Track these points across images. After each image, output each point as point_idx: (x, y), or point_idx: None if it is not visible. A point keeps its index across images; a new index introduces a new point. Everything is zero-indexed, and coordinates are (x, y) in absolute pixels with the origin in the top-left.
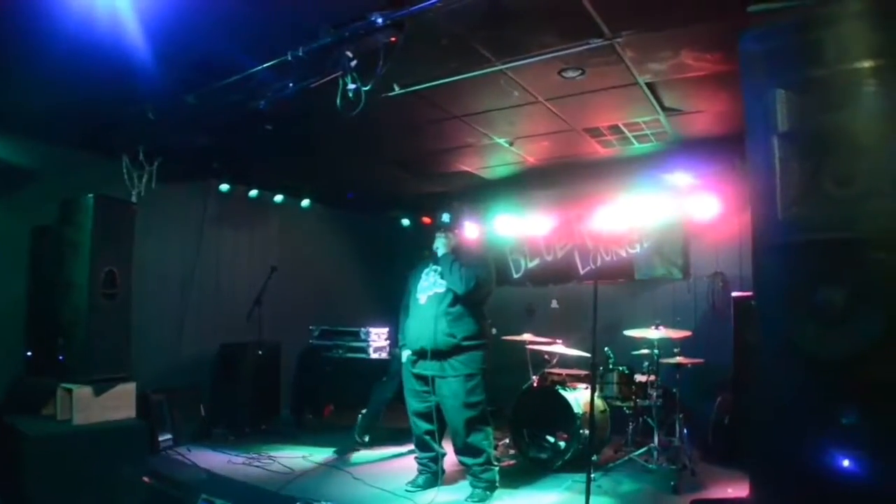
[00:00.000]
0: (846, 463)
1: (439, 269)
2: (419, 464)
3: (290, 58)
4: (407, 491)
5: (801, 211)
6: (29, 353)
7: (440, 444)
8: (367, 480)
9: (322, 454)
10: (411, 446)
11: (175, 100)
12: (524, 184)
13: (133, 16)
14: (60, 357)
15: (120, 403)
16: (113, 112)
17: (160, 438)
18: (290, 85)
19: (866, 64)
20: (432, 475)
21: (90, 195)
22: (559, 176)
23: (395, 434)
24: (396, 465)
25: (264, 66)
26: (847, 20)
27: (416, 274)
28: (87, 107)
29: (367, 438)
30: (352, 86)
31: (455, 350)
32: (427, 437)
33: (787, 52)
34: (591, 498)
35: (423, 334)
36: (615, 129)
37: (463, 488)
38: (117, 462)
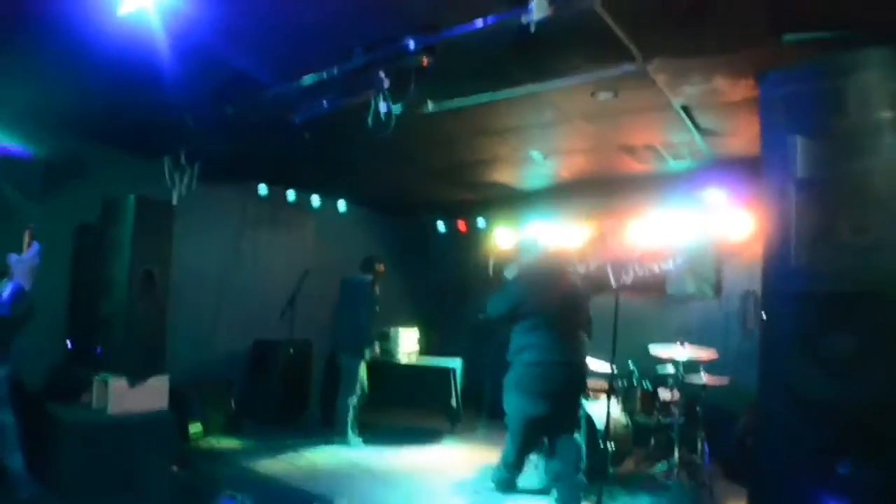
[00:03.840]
0: None
1: None
2: None
3: (325, 76)
4: None
5: (814, 259)
6: (69, 345)
7: None
8: (385, 480)
9: (347, 451)
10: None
11: (214, 109)
12: (559, 196)
13: (176, 29)
14: (98, 349)
15: (153, 395)
16: (155, 117)
17: (191, 429)
18: (325, 103)
19: (886, 115)
20: None
21: (131, 196)
22: (594, 189)
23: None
24: (414, 461)
25: (301, 82)
26: (869, 69)
27: None
28: (130, 111)
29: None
30: (383, 106)
31: None
32: None
33: (807, 98)
34: None
35: None
36: (650, 148)
37: None
38: (148, 450)
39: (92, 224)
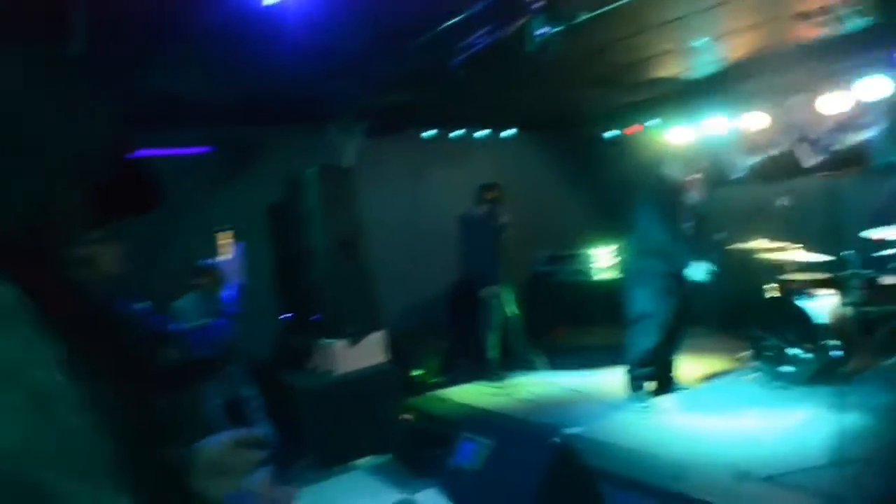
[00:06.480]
0: None
1: None
2: None
3: (474, 11)
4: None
5: None
6: (288, 316)
7: None
8: (607, 400)
9: (560, 378)
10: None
11: (371, 67)
12: (734, 78)
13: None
14: (316, 316)
15: (373, 351)
16: (315, 88)
17: (411, 375)
18: (480, 41)
19: None
20: None
21: (313, 169)
22: (771, 65)
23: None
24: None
25: (450, 23)
26: None
27: None
28: (290, 88)
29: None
30: (541, 30)
31: None
32: None
33: None
34: (844, 413)
35: None
36: (826, 9)
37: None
38: (377, 403)
39: (281, 202)
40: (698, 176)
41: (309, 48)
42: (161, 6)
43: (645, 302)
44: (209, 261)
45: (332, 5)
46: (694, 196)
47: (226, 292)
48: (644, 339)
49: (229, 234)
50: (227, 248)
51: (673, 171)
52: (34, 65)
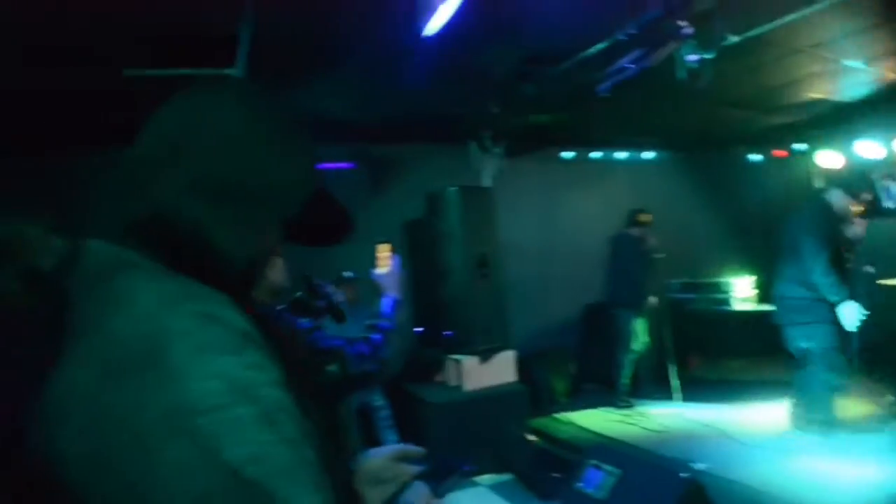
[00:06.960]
0: None
1: None
2: None
3: (622, 37)
4: None
5: None
6: (420, 330)
7: None
8: (737, 437)
9: (688, 408)
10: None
11: (514, 90)
12: (889, 100)
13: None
14: (448, 332)
15: (502, 369)
16: (459, 109)
17: (537, 396)
18: (631, 66)
19: None
20: None
21: (453, 188)
22: None
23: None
24: (766, 417)
25: (597, 48)
26: None
27: None
28: (435, 109)
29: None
30: (692, 57)
31: None
32: None
33: None
34: None
35: None
36: None
37: None
38: (504, 422)
39: (419, 219)
40: (862, 207)
41: (457, 71)
42: (326, 32)
43: (810, 337)
44: (350, 273)
45: (484, 31)
46: (856, 229)
47: (381, 306)
48: (818, 376)
49: (387, 246)
50: (385, 261)
51: (838, 200)
52: (249, 105)
